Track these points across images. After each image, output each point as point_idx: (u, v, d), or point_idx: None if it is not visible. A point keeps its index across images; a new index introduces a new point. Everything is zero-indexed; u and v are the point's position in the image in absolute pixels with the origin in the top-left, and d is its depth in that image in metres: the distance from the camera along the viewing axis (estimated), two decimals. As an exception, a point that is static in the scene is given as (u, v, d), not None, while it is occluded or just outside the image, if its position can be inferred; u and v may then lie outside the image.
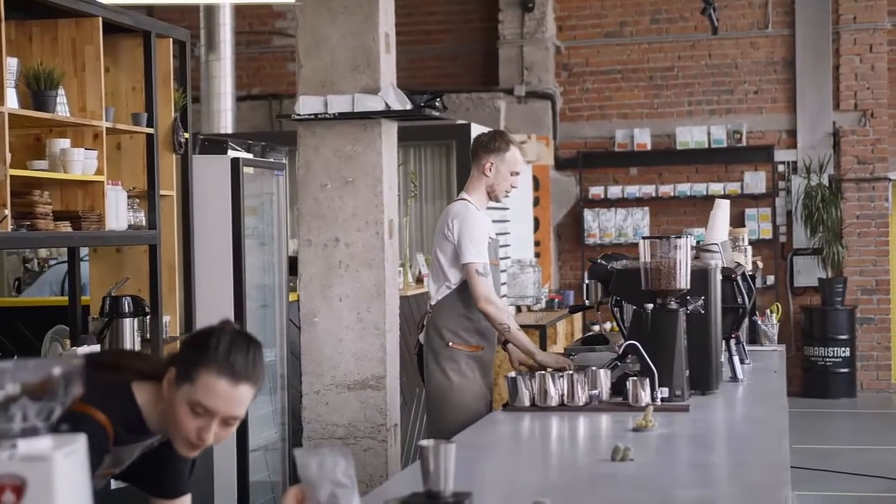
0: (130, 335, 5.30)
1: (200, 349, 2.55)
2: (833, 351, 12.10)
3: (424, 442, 2.69)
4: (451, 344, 5.14)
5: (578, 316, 11.01)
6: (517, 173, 5.27)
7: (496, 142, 5.25)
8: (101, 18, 5.08)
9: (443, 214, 5.28)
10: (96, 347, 5.04)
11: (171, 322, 5.73)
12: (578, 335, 10.31)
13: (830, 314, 12.14)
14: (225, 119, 10.73)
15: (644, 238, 4.39)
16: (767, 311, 6.42)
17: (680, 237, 4.35)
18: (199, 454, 2.73)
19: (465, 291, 5.13)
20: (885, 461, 9.16)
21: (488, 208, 5.39)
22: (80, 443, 1.76)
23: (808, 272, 12.46)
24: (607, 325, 11.98)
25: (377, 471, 5.60)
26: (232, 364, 2.53)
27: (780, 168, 12.60)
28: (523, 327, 8.85)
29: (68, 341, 5.32)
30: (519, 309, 10.19)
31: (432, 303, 5.24)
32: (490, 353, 5.29)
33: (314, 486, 2.44)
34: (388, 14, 5.94)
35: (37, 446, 1.71)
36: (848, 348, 12.13)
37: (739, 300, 4.93)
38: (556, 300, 10.70)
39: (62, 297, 6.81)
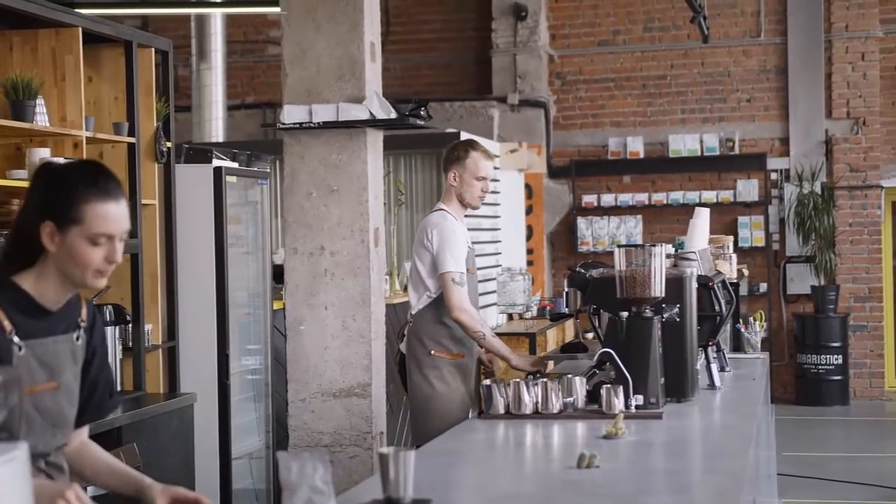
0: (112, 344, 5.31)
1: (69, 192, 2.61)
2: (826, 358, 12.10)
3: (384, 449, 2.72)
4: (432, 352, 5.22)
5: (570, 324, 11.02)
6: (483, 178, 5.32)
7: (455, 151, 5.38)
8: (80, 29, 5.11)
9: (421, 225, 5.37)
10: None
11: (153, 331, 5.74)
12: (570, 343, 10.30)
13: (823, 322, 12.14)
14: (216, 128, 10.75)
15: (619, 246, 4.41)
16: (751, 318, 6.43)
17: (655, 246, 4.37)
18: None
19: (444, 300, 5.18)
20: (877, 469, 9.16)
21: (467, 216, 5.43)
22: (20, 450, 1.78)
23: (800, 280, 12.46)
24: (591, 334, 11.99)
25: (363, 478, 5.60)
26: (106, 189, 2.64)
27: (773, 176, 12.62)
28: (513, 335, 8.92)
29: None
30: (510, 317, 10.21)
31: (413, 312, 5.33)
32: (471, 360, 5.33)
33: (292, 489, 2.48)
34: (374, 23, 5.96)
35: (-26, 454, 1.73)
36: (841, 356, 12.13)
37: (717, 308, 4.94)
38: (549, 308, 10.72)
39: None
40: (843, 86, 12.48)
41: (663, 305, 4.44)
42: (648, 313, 4.35)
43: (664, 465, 3.52)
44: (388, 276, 7.94)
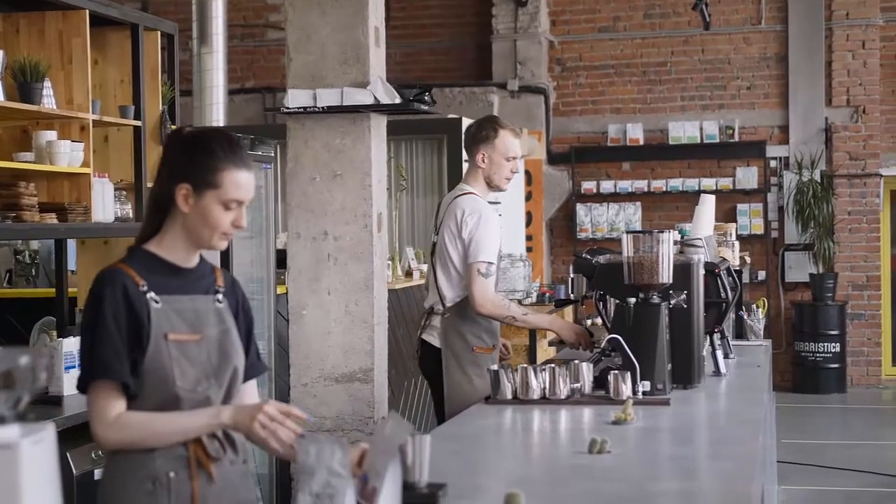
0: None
1: (208, 158, 2.79)
2: (824, 346, 12.13)
3: (400, 433, 2.72)
4: (475, 348, 5.02)
5: (569, 310, 11.04)
6: (513, 158, 5.11)
7: (483, 130, 5.13)
8: (87, 11, 5.09)
9: (449, 210, 5.10)
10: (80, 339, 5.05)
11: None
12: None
13: (821, 309, 12.16)
14: (217, 112, 10.66)
15: (627, 232, 4.40)
16: (753, 306, 6.44)
17: (663, 232, 4.37)
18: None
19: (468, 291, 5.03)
20: (874, 456, 9.19)
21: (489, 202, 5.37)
22: (48, 432, 1.78)
23: (799, 267, 12.48)
24: (599, 320, 12.01)
25: (365, 463, 5.61)
26: (241, 157, 2.83)
27: (773, 163, 12.63)
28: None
29: (55, 332, 5.33)
30: (510, 303, 10.20)
31: (447, 304, 5.06)
32: (497, 350, 5.22)
33: (311, 472, 2.50)
34: (378, 8, 5.96)
35: (3, 434, 1.73)
36: (838, 344, 12.16)
37: (723, 295, 4.94)
38: (548, 294, 10.72)
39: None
40: (844, 74, 12.48)
41: (671, 292, 4.44)
42: (656, 300, 4.35)
43: (675, 451, 3.53)
44: (389, 262, 7.93)
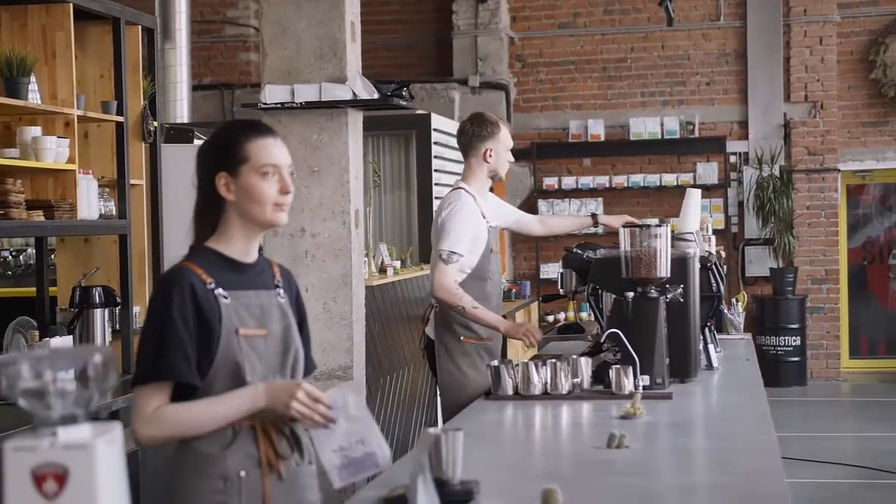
0: (101, 326, 5.22)
1: (230, 139, 2.81)
2: (784, 340, 12.24)
3: (433, 429, 2.69)
4: (462, 338, 5.07)
5: (535, 306, 11.06)
6: (510, 147, 5.29)
7: (487, 127, 5.20)
8: (71, 5, 5.00)
9: (438, 206, 5.21)
10: (68, 338, 4.97)
11: (141, 312, 5.65)
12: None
13: (781, 303, 12.27)
14: (181, 108, 10.59)
15: (624, 226, 4.40)
16: (733, 299, 6.47)
17: (660, 226, 4.37)
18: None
19: (471, 283, 5.04)
20: (835, 448, 9.29)
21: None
22: (117, 430, 1.74)
23: (759, 262, 12.58)
24: (562, 315, 12.04)
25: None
26: (261, 128, 2.84)
27: (732, 159, 12.71)
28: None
29: (37, 333, 5.23)
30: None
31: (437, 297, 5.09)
32: (497, 342, 5.21)
33: (329, 428, 2.49)
34: (354, 2, 5.93)
35: (77, 434, 1.69)
36: (798, 337, 12.27)
37: (715, 288, 4.96)
38: (514, 291, 10.74)
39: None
40: (802, 70, 12.59)
41: (667, 286, 4.43)
42: (654, 293, 4.35)
43: (690, 445, 3.52)
44: (365, 259, 7.89)
